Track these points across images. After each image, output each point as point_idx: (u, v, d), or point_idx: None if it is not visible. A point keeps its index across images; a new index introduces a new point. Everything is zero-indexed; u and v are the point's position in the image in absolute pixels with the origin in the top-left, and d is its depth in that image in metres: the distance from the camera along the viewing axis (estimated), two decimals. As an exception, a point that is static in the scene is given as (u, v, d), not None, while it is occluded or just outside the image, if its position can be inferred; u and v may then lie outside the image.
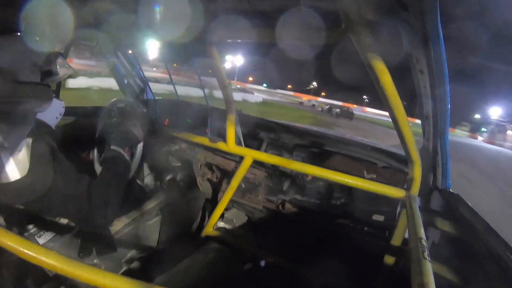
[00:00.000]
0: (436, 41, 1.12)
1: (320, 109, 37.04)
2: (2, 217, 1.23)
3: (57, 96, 1.54)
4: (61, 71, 1.40)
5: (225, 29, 1.80)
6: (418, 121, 1.76)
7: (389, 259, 1.95)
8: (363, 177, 2.38)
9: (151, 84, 3.25)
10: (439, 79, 1.29)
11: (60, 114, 1.51)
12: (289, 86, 71.67)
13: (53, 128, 1.49)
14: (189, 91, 14.53)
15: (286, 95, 54.69)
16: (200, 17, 1.75)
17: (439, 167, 1.74)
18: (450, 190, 1.80)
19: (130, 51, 2.93)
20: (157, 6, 1.64)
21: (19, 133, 1.24)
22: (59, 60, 1.39)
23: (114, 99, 2.24)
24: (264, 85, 72.20)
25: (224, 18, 1.70)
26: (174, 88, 3.12)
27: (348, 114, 33.28)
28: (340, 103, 55.02)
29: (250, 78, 79.52)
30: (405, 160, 1.85)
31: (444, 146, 1.64)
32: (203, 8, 1.66)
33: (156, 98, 3.30)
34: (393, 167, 2.35)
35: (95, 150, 2.16)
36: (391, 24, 1.19)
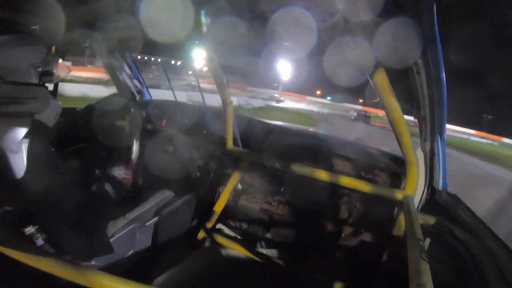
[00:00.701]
0: (433, 42, 1.12)
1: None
2: None
3: (54, 97, 1.53)
4: (58, 71, 1.40)
5: (219, 29, 1.81)
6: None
7: (387, 260, 1.95)
8: (360, 178, 2.39)
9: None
10: (436, 80, 1.29)
11: (57, 114, 1.50)
12: (360, 100, 67.33)
13: (50, 128, 1.48)
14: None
15: (352, 108, 51.93)
16: (197, 17, 1.75)
17: (436, 167, 1.74)
18: (448, 190, 1.80)
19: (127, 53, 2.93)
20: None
21: (17, 134, 1.24)
22: (57, 61, 1.40)
23: (106, 96, 2.23)
24: (328, 98, 70.34)
25: (218, 18, 1.71)
26: (173, 93, 3.12)
27: (364, 118, 34.09)
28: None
29: (318, 92, 73.85)
30: (403, 161, 1.85)
31: (442, 147, 1.64)
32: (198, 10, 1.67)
33: (153, 99, 3.30)
34: (390, 168, 2.35)
35: (90, 149, 2.15)
36: (388, 24, 1.19)
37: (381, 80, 1.39)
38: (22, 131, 1.26)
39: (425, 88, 1.37)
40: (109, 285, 0.99)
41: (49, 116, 1.43)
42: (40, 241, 1.34)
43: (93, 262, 1.73)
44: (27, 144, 1.26)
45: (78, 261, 1.62)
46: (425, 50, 1.17)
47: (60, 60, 1.43)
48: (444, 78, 1.28)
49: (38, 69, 1.28)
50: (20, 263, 0.98)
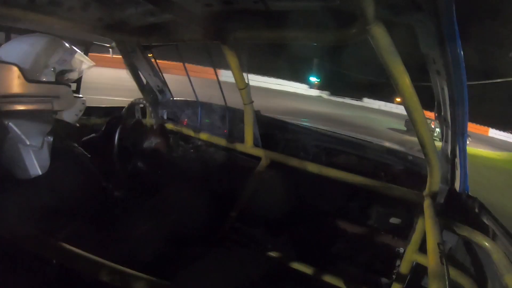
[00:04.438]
0: (453, 41, 1.10)
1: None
2: (22, 214, 1.26)
3: (78, 93, 1.56)
4: (79, 66, 1.43)
5: (241, 29, 1.82)
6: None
7: (405, 263, 1.92)
8: (380, 179, 2.36)
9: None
10: (456, 80, 1.26)
11: (80, 111, 1.52)
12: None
13: (74, 125, 1.52)
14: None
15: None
16: (218, 17, 1.77)
17: (458, 170, 1.70)
18: (469, 193, 1.75)
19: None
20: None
21: (40, 131, 1.28)
22: (78, 56, 1.42)
23: (134, 99, 2.27)
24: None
25: (241, 19, 1.72)
26: (194, 93, 3.14)
27: None
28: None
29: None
30: (424, 163, 1.81)
31: (463, 149, 1.60)
32: (221, 9, 1.68)
33: (175, 98, 3.34)
34: (411, 169, 2.31)
35: (116, 148, 2.19)
36: (407, 24, 1.18)
37: (403, 80, 1.36)
38: (46, 128, 1.30)
39: (445, 88, 1.34)
40: (128, 280, 1.01)
41: (72, 114, 1.46)
42: (63, 236, 1.38)
43: (113, 258, 1.77)
44: (51, 141, 1.30)
45: (100, 256, 1.66)
46: (444, 50, 1.15)
47: (80, 55, 1.45)
48: (465, 79, 1.25)
49: (53, 70, 1.31)
50: (44, 258, 1.02)
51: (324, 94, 38.80)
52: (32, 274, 1.22)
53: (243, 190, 2.60)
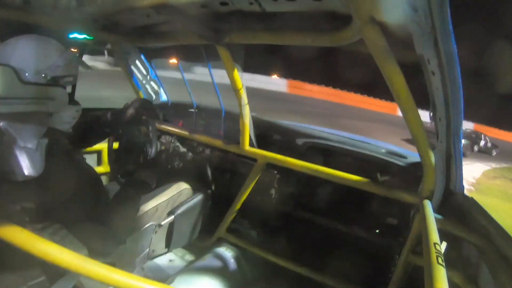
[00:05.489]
0: (447, 42, 1.11)
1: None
2: (14, 215, 1.25)
3: (72, 98, 1.54)
4: (74, 72, 1.43)
5: (237, 31, 1.82)
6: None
7: (402, 263, 1.92)
8: (376, 179, 2.36)
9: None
10: (451, 80, 1.27)
11: (74, 119, 1.52)
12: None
13: (69, 127, 1.51)
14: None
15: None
16: (213, 19, 1.77)
17: (453, 170, 1.71)
18: (464, 193, 1.76)
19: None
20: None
21: (35, 133, 1.28)
22: (73, 61, 1.42)
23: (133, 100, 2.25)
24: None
25: (236, 20, 1.72)
26: (190, 94, 3.14)
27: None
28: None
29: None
30: (420, 163, 1.82)
31: (458, 149, 1.61)
32: (216, 11, 1.68)
33: (170, 100, 3.34)
34: (407, 170, 2.32)
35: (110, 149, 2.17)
36: (401, 25, 1.19)
37: (398, 81, 1.37)
38: (40, 130, 1.30)
39: (440, 88, 1.35)
40: (125, 282, 1.01)
41: (68, 116, 1.46)
42: (57, 237, 1.37)
43: (109, 260, 1.76)
44: (45, 143, 1.30)
45: (95, 258, 1.65)
46: (439, 50, 1.15)
47: (75, 60, 1.44)
48: (460, 78, 1.26)
49: (45, 77, 1.31)
50: (38, 259, 1.01)
51: (105, 63, 19.61)
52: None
53: (240, 192, 2.60)
